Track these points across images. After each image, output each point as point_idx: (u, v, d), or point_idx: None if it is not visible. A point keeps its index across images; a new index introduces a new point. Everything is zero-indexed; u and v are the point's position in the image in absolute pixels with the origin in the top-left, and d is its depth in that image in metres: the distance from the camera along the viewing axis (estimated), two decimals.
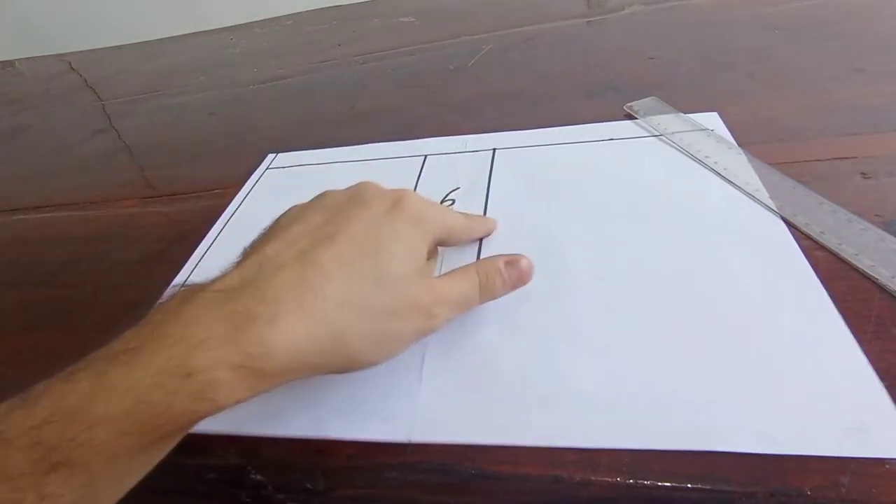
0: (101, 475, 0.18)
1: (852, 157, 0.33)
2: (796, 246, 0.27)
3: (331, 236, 0.22)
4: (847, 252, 0.26)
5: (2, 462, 0.17)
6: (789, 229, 0.28)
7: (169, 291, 0.21)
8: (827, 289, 0.25)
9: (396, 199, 0.25)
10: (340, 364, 0.21)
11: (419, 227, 0.24)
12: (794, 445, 0.20)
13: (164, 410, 0.18)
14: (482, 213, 0.34)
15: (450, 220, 0.28)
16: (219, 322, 0.19)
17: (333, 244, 0.22)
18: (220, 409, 0.19)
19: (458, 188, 0.37)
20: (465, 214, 0.30)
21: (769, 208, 0.30)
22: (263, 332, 0.19)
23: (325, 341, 0.20)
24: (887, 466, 0.19)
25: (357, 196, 0.25)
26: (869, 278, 0.25)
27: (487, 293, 0.26)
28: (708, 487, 0.20)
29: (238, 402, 0.19)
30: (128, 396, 0.18)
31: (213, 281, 0.21)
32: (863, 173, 0.31)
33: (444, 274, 0.26)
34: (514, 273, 0.27)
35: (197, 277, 0.34)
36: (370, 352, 0.22)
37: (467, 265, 0.26)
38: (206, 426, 0.25)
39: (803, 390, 0.22)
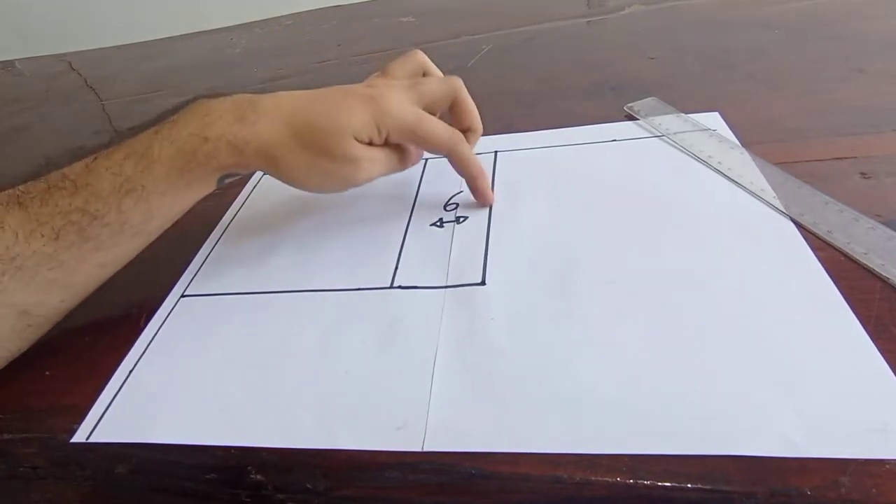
0: (156, 205, 0.29)
1: (852, 157, 0.33)
2: (806, 245, 0.27)
3: (312, 95, 0.32)
4: (856, 251, 0.26)
5: (95, 184, 0.28)
6: (797, 228, 0.28)
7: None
8: (839, 288, 0.25)
9: (378, 88, 0.32)
10: (281, 168, 0.31)
11: (371, 113, 0.31)
12: (816, 448, 0.19)
13: (193, 158, 0.29)
14: (486, 218, 0.34)
15: (425, 125, 0.32)
16: (228, 113, 0.30)
17: (317, 95, 0.32)
18: (222, 166, 0.30)
19: (462, 192, 0.37)
20: (452, 129, 0.33)
21: (776, 208, 0.30)
22: (248, 128, 0.29)
23: (278, 148, 0.30)
24: (887, 466, 0.19)
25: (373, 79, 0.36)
26: (877, 277, 0.25)
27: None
28: (708, 487, 0.19)
29: (231, 167, 0.30)
30: (173, 146, 0.29)
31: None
32: (862, 173, 0.31)
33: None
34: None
35: (200, 280, 0.34)
36: (302, 175, 0.31)
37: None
38: (216, 439, 0.24)
39: (821, 391, 0.21)
